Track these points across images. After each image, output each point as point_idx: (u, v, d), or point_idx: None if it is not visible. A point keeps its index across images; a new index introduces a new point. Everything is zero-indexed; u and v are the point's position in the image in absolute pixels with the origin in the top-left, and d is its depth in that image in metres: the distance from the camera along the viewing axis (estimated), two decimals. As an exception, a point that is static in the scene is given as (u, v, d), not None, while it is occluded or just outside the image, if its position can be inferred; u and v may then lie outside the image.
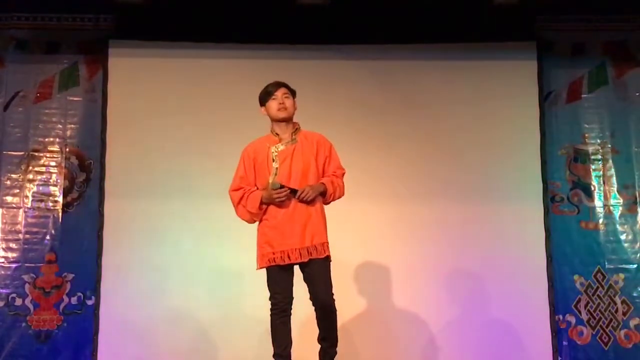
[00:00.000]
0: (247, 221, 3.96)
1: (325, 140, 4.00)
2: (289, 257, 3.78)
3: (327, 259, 3.85)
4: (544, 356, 5.34)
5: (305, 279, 3.85)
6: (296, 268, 3.89)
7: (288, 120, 3.98)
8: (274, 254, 3.80)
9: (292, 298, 3.86)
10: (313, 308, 3.87)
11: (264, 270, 3.89)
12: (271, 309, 3.84)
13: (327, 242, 3.85)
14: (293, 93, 4.02)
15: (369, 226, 5.39)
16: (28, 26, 5.71)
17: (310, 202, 3.82)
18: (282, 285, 3.81)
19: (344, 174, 4.00)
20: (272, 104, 3.93)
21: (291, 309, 3.86)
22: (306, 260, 3.77)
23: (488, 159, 5.57)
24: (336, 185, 3.91)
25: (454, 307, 5.40)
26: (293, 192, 3.80)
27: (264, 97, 3.97)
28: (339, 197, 3.96)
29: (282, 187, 3.78)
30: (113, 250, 5.41)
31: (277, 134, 3.97)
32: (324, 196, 3.89)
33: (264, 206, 3.87)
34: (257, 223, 3.96)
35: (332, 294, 3.85)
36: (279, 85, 3.97)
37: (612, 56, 5.78)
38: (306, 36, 5.59)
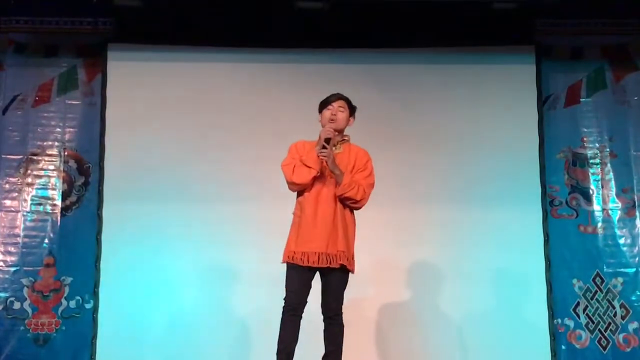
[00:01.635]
0: (304, 182, 3.88)
1: (365, 155, 4.06)
2: (308, 259, 3.82)
3: (347, 271, 3.91)
4: (542, 360, 5.36)
5: (322, 287, 3.92)
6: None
7: (338, 131, 4.01)
8: (295, 253, 3.85)
9: (306, 303, 3.89)
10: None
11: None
12: (283, 307, 3.88)
13: (353, 256, 3.92)
14: (352, 108, 4.08)
15: (366, 229, 5.36)
16: (27, 30, 5.72)
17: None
18: (297, 286, 3.85)
19: (370, 184, 3.99)
20: (326, 113, 4.02)
21: (303, 311, 3.88)
22: (324, 265, 3.82)
23: (487, 162, 5.57)
24: (356, 184, 3.89)
25: (452, 310, 5.40)
26: (327, 141, 3.85)
27: (322, 105, 4.07)
28: (357, 199, 3.91)
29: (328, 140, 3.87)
30: (112, 253, 5.40)
31: None
32: (339, 184, 3.88)
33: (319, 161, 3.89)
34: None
35: (341, 308, 3.91)
36: (338, 97, 4.06)
37: (611, 60, 5.79)
38: (305, 40, 5.60)
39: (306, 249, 3.82)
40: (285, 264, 3.92)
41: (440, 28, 5.54)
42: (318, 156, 3.86)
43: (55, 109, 5.67)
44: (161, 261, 5.39)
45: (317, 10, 5.38)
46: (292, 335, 3.84)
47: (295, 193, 4.02)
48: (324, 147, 3.85)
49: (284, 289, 3.90)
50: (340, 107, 4.02)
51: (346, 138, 4.08)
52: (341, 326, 3.91)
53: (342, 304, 3.91)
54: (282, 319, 3.86)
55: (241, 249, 5.35)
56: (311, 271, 3.87)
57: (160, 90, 5.62)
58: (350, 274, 3.96)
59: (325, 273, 3.87)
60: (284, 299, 3.88)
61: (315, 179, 3.89)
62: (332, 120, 3.97)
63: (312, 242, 3.82)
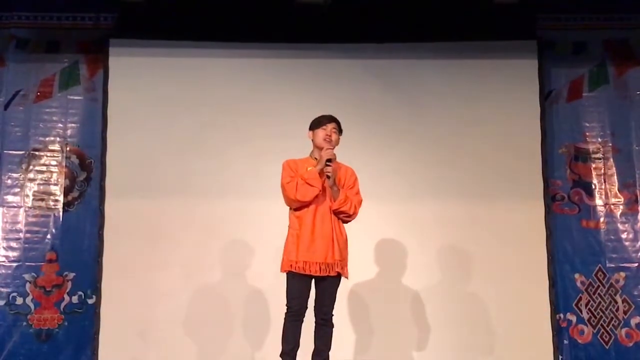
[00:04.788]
0: (308, 200, 4.04)
1: (352, 173, 4.28)
2: (309, 268, 4.02)
3: (340, 277, 4.13)
4: (544, 355, 5.34)
5: (316, 292, 4.11)
6: None
7: None
8: (296, 262, 4.04)
9: (307, 307, 4.10)
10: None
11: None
12: (286, 312, 4.07)
13: (347, 263, 4.15)
14: (341, 131, 4.24)
15: (368, 225, 5.36)
16: (29, 25, 5.74)
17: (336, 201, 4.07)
18: (299, 294, 4.06)
19: (359, 201, 4.21)
20: (320, 133, 4.18)
21: (304, 315, 4.08)
22: (323, 274, 4.03)
23: (489, 157, 5.57)
24: (350, 199, 4.13)
25: (455, 305, 5.39)
26: (329, 161, 4.05)
27: (316, 124, 4.21)
28: (350, 213, 4.14)
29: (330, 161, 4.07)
30: (114, 249, 5.41)
31: (315, 158, 4.19)
32: (334, 199, 4.09)
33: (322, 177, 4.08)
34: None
35: (333, 310, 4.13)
36: (332, 119, 4.22)
37: (613, 55, 5.79)
38: (306, 35, 5.60)
39: (307, 259, 4.02)
40: (282, 274, 4.11)
41: (441, 22, 5.54)
42: (322, 173, 4.04)
43: (57, 104, 5.68)
44: (163, 256, 5.39)
45: (318, 5, 5.37)
46: (295, 340, 4.04)
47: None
48: (327, 165, 4.05)
49: (285, 296, 4.08)
50: (334, 129, 4.19)
51: (334, 157, 4.20)
52: (332, 326, 4.13)
53: (334, 306, 4.12)
54: (285, 323, 4.06)
55: (243, 244, 5.35)
56: (309, 278, 4.08)
57: (162, 86, 5.62)
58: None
59: (321, 280, 4.07)
60: (287, 305, 4.07)
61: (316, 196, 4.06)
62: (327, 141, 4.14)
63: (313, 253, 4.03)
